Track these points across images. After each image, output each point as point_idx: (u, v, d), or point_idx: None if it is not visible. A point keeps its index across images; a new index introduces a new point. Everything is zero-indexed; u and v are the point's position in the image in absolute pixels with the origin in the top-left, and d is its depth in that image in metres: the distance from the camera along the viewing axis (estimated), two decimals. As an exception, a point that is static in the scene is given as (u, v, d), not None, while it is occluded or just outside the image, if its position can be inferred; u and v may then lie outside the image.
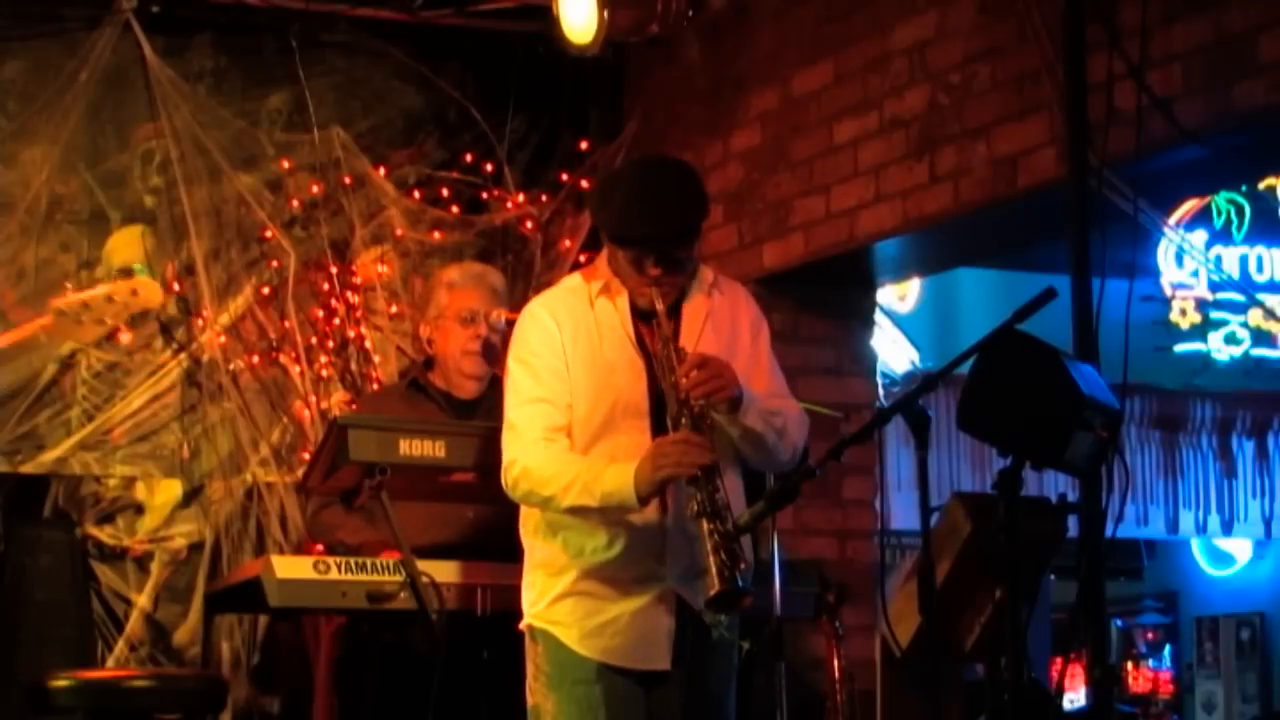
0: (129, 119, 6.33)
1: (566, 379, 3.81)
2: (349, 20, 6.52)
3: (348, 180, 6.46)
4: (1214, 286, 10.76)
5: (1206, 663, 12.90)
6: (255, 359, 6.31)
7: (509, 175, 6.69)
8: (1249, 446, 10.84)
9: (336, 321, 6.38)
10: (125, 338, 6.08)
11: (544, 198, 6.71)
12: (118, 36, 6.19)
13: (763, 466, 4.01)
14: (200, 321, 6.27)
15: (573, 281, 3.97)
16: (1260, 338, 10.90)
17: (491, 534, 4.45)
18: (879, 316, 7.02)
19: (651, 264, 3.78)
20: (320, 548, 4.76)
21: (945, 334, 10.39)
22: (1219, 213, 10.70)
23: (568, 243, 6.63)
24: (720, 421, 3.77)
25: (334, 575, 4.22)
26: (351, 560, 4.27)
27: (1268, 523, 10.89)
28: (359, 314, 6.41)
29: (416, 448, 4.28)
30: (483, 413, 4.76)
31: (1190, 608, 13.15)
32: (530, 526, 3.89)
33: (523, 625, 3.89)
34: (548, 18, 6.21)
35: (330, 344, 6.36)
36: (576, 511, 3.75)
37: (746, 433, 3.81)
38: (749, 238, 6.29)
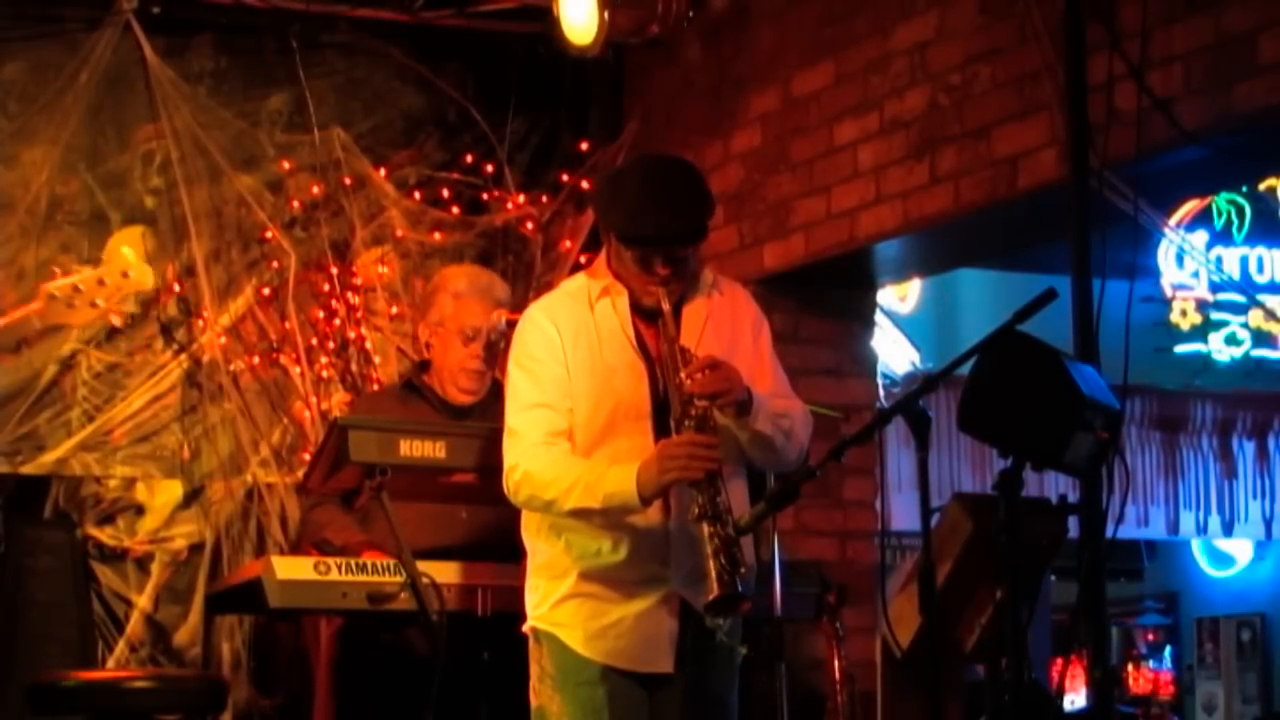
0: (129, 120, 6.33)
1: (567, 384, 3.80)
2: (349, 21, 6.52)
3: (348, 181, 6.46)
4: (1214, 287, 10.77)
5: (1207, 664, 12.90)
6: (256, 360, 6.31)
7: (509, 176, 6.70)
8: (1249, 447, 10.84)
9: (337, 322, 6.38)
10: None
11: (544, 198, 6.71)
12: (118, 37, 6.19)
13: (769, 467, 4.00)
14: (201, 322, 6.27)
15: (573, 284, 3.96)
16: (1261, 338, 10.92)
17: (491, 535, 4.45)
18: (879, 317, 7.02)
19: (660, 264, 3.78)
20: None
21: (945, 335, 10.41)
22: (1219, 214, 10.72)
23: (568, 243, 6.63)
24: (727, 424, 3.76)
25: (334, 576, 4.21)
26: (352, 561, 4.27)
27: (1268, 523, 10.90)
28: (359, 315, 6.41)
29: (417, 449, 4.27)
30: (477, 414, 4.75)
31: (1191, 608, 13.16)
32: (533, 528, 3.89)
33: (526, 628, 3.89)
34: (548, 18, 6.21)
35: (331, 345, 6.37)
36: (579, 514, 3.74)
37: (756, 436, 3.80)
38: (749, 238, 6.29)
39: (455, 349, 4.78)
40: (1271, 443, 10.87)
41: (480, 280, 4.93)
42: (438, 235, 6.57)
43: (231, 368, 6.27)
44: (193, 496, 6.26)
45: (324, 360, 6.34)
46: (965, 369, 3.65)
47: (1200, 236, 10.53)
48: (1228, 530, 10.92)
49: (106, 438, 6.17)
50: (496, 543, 4.30)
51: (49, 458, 6.10)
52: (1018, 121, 5.16)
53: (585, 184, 6.60)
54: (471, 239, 6.63)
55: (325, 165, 6.46)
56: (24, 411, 6.06)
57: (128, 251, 5.31)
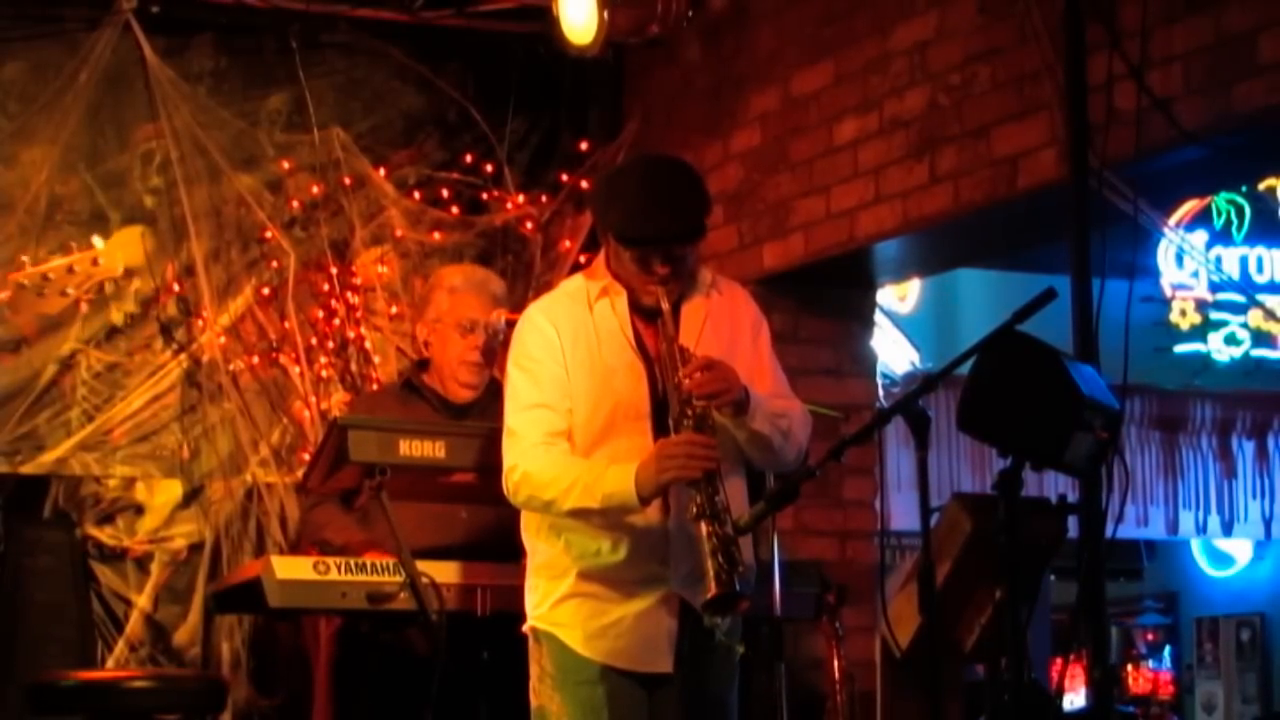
0: (129, 119, 6.32)
1: (566, 384, 3.80)
2: (349, 21, 6.52)
3: (348, 181, 6.46)
4: (1214, 287, 10.78)
5: (1206, 663, 12.91)
6: (255, 360, 6.31)
7: (509, 176, 6.70)
8: (1249, 447, 10.85)
9: (336, 322, 6.38)
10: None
11: (544, 198, 6.71)
12: (118, 37, 6.18)
13: (768, 467, 4.00)
14: (200, 322, 6.27)
15: (572, 285, 3.97)
16: (1260, 338, 10.93)
17: (491, 535, 4.45)
18: (879, 317, 7.02)
19: (658, 263, 3.78)
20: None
21: (945, 334, 10.42)
22: (1219, 213, 10.72)
23: (568, 243, 6.63)
24: (725, 423, 3.77)
25: (334, 576, 4.21)
26: (351, 561, 4.27)
27: (1268, 523, 10.91)
28: (359, 315, 6.41)
29: (417, 448, 4.27)
30: (476, 414, 4.75)
31: (1190, 608, 13.17)
32: (532, 529, 3.89)
33: (526, 628, 3.89)
34: (548, 18, 6.21)
35: (330, 345, 6.36)
36: (578, 514, 3.74)
37: (753, 436, 3.80)
38: (749, 238, 6.29)
39: (454, 342, 4.80)
40: (1271, 443, 10.88)
41: (475, 275, 4.99)
42: (437, 235, 6.57)
43: (231, 367, 6.26)
44: (192, 496, 6.25)
45: (324, 360, 6.34)
46: (965, 369, 3.65)
47: (1200, 236, 10.54)
48: (1227, 530, 10.93)
49: (106, 437, 6.16)
50: (496, 543, 4.30)
51: (49, 457, 6.09)
52: (1017, 121, 5.16)
53: (585, 184, 6.60)
54: (471, 239, 6.63)
55: (325, 165, 6.46)
56: (24, 411, 6.06)
57: (98, 240, 5.31)
